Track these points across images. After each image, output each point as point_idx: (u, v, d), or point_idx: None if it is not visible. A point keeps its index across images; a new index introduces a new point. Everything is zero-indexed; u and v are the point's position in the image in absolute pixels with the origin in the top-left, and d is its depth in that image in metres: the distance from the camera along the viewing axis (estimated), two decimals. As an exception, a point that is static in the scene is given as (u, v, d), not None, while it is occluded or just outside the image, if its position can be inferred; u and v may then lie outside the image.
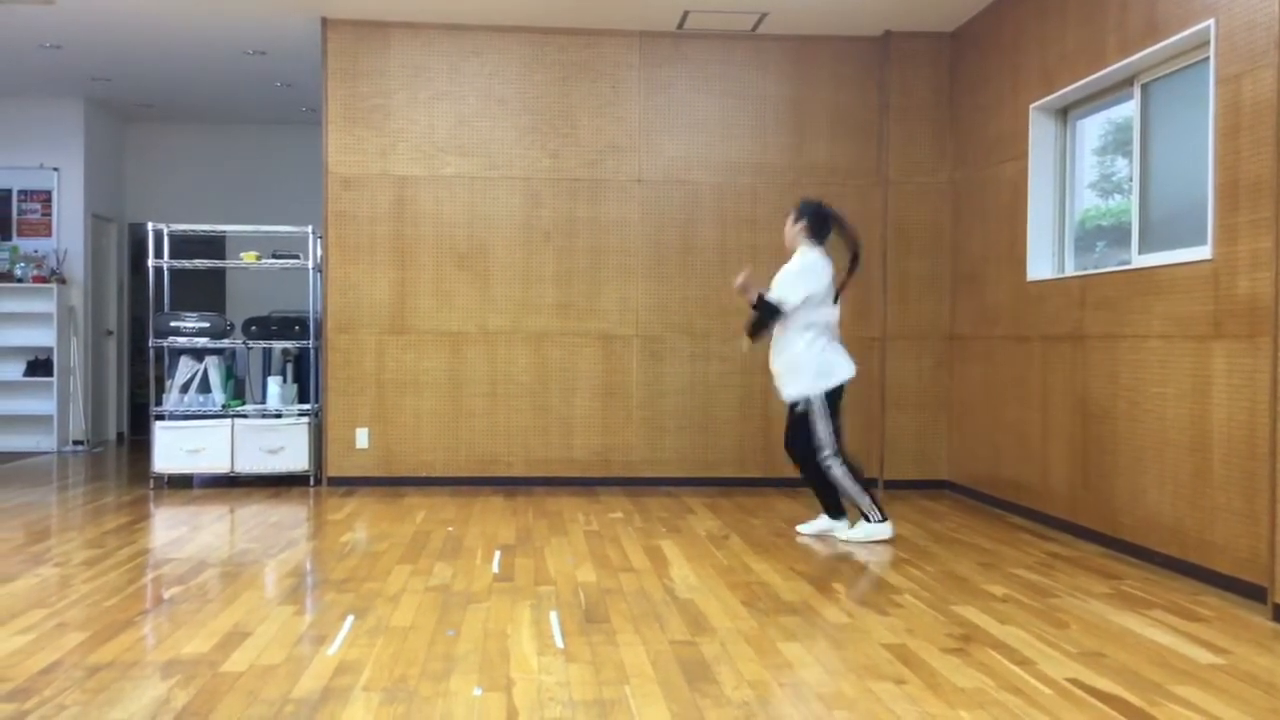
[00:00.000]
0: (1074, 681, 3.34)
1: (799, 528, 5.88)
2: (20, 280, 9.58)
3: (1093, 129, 6.22)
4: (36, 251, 9.75)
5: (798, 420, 5.71)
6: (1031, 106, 6.35)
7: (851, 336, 7.66)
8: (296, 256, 7.87)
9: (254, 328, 7.79)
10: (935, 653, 3.62)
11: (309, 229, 7.78)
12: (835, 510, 5.80)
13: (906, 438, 7.57)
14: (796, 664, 3.49)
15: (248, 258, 7.86)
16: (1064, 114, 6.33)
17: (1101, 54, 5.62)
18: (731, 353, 7.62)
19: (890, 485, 7.51)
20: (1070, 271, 6.26)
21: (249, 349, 7.97)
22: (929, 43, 7.55)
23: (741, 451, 7.64)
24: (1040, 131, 6.37)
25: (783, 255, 7.69)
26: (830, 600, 4.35)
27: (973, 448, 7.17)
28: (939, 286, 7.55)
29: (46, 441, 9.64)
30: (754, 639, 3.78)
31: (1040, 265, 6.37)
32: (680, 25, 7.40)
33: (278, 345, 7.86)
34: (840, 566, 5.03)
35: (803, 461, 5.73)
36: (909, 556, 5.26)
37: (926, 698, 3.18)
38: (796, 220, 5.83)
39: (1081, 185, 6.32)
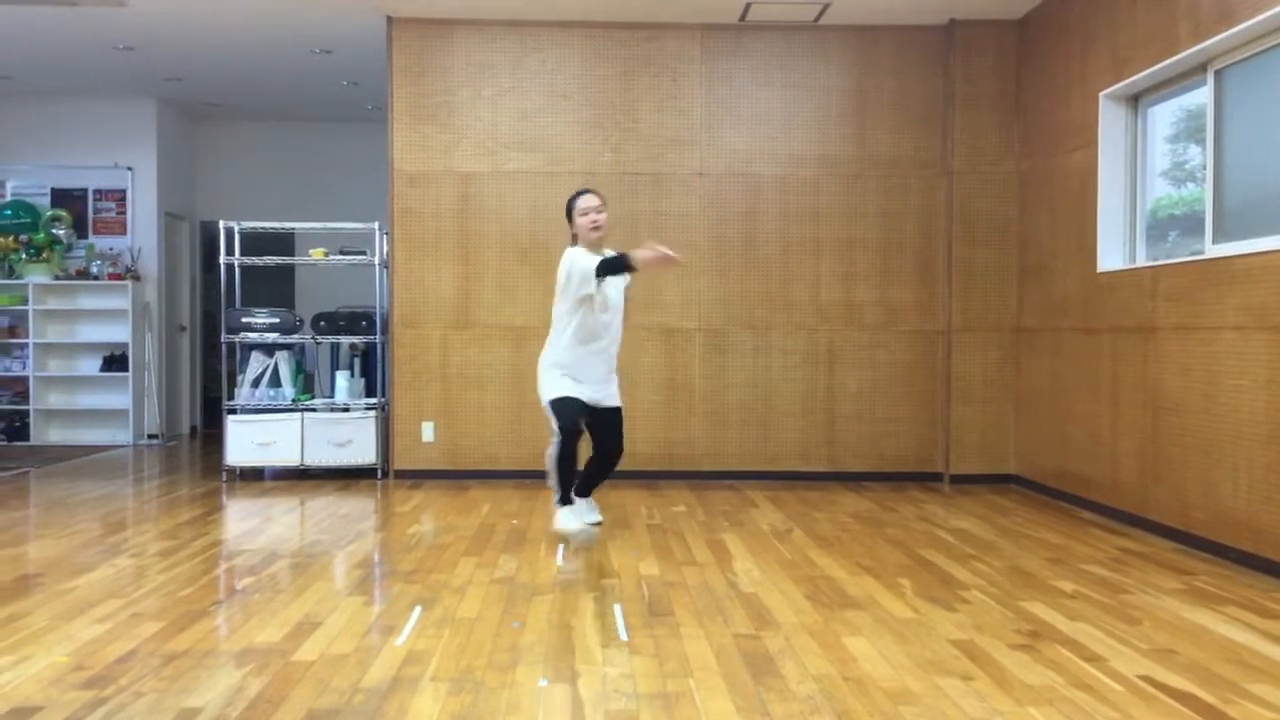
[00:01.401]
0: (1146, 679, 3.29)
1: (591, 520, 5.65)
2: (97, 278, 9.82)
3: (1164, 116, 6.09)
4: (112, 249, 9.99)
5: (619, 418, 5.59)
6: (1101, 94, 6.24)
7: (916, 329, 7.63)
8: (363, 253, 7.97)
9: (322, 323, 7.91)
10: (1003, 649, 3.59)
11: (375, 225, 7.88)
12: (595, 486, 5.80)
13: (972, 431, 7.48)
14: (861, 658, 3.48)
15: (316, 254, 7.98)
16: (1134, 101, 6.20)
17: (1174, 40, 5.51)
18: (795, 346, 7.59)
19: (955, 479, 7.44)
20: (1141, 262, 6.14)
21: (318, 344, 8.10)
22: (995, 30, 7.45)
23: (805, 445, 7.61)
24: (1110, 119, 6.25)
25: (844, 247, 7.67)
26: (896, 595, 4.32)
27: (1040, 441, 7.07)
28: (1005, 278, 7.45)
29: (123, 435, 9.88)
30: (818, 633, 3.77)
31: (1110, 256, 6.26)
32: (742, 17, 7.38)
33: (345, 340, 7.98)
34: (906, 562, 4.99)
35: (615, 453, 5.61)
36: (976, 552, 5.21)
37: (995, 694, 3.15)
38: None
39: (1153, 174, 6.19)
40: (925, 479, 7.56)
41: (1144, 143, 6.20)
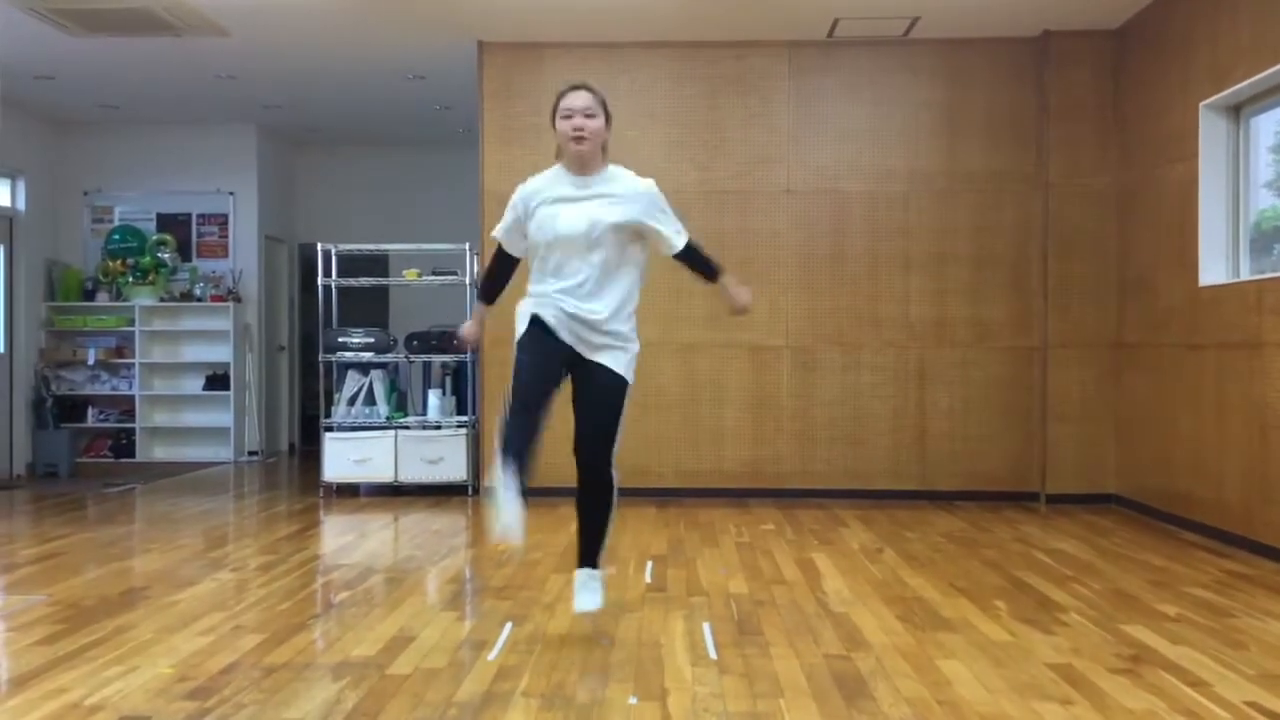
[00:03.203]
0: (1253, 705, 3.18)
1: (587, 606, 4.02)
2: (200, 299, 10.13)
3: (1268, 126, 5.91)
4: (214, 272, 10.30)
5: (614, 398, 3.95)
6: (1201, 105, 6.08)
7: (1010, 345, 7.49)
8: (454, 273, 8.10)
9: (415, 342, 8.05)
10: (1103, 673, 3.50)
11: (466, 246, 8.00)
12: (598, 551, 4.06)
13: (1070, 450, 7.32)
14: (956, 682, 3.42)
15: (409, 275, 8.14)
16: (1236, 111, 6.03)
17: (1277, 49, 5.34)
18: (885, 363, 7.51)
19: (1052, 499, 7.28)
20: (1246, 275, 5.96)
21: (411, 363, 8.24)
22: (1091, 41, 7.31)
23: (895, 463, 7.51)
24: (1211, 130, 6.09)
25: (935, 263, 7.56)
26: (991, 618, 4.24)
27: (1141, 460, 6.88)
28: (1103, 293, 7.29)
29: (224, 452, 10.15)
30: (911, 655, 3.72)
31: (1213, 269, 6.08)
32: (830, 33, 7.35)
33: (437, 359, 8.11)
34: (1002, 583, 4.90)
35: (600, 475, 4.01)
36: (1074, 573, 5.09)
37: (1094, 719, 3.07)
38: (608, 120, 3.93)
39: (1256, 185, 6.01)
40: (1020, 498, 7.41)
41: (1246, 153, 6.02)
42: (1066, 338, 7.32)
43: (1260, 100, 5.82)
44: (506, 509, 3.58)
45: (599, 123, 3.83)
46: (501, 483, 3.64)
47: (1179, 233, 6.35)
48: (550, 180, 3.92)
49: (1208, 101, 6.03)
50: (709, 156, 7.58)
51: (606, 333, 3.84)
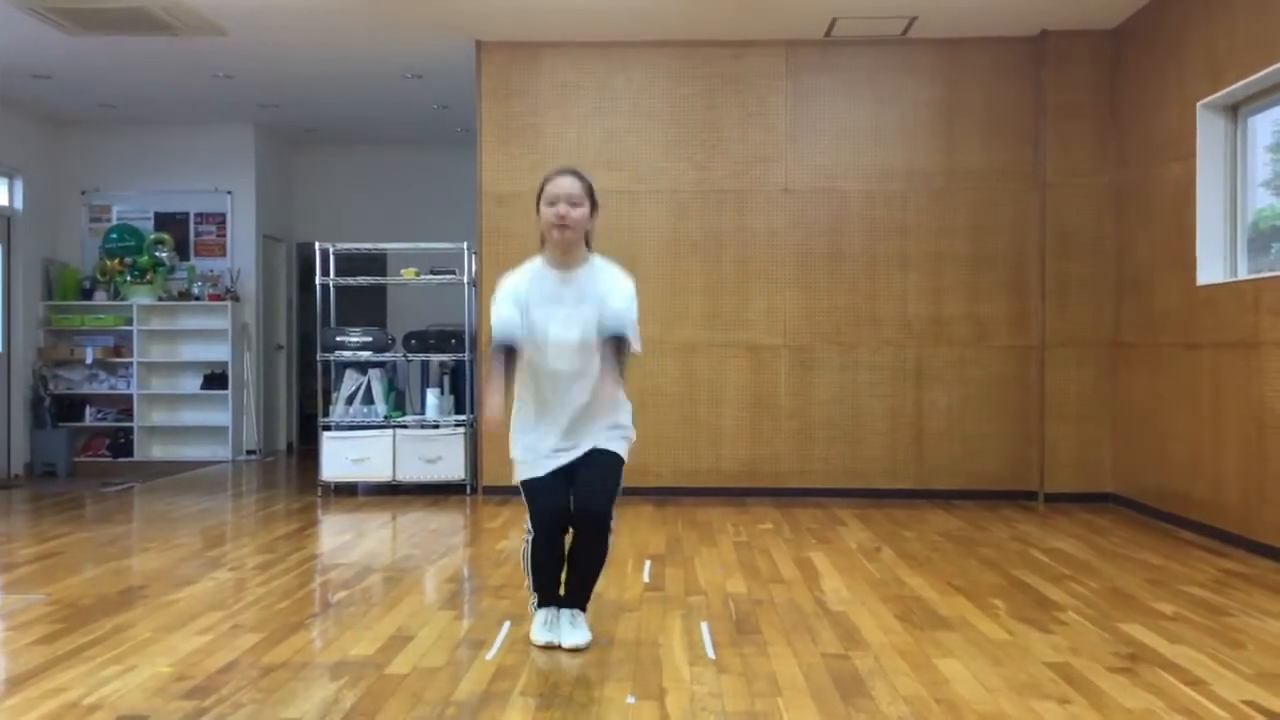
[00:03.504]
0: (1250, 704, 3.18)
1: (571, 641, 3.85)
2: (198, 298, 10.12)
3: (1265, 125, 5.92)
4: (212, 271, 10.29)
5: (612, 462, 3.88)
6: (1199, 104, 6.08)
7: (1008, 344, 7.50)
8: (453, 272, 8.10)
9: (413, 341, 8.05)
10: (1101, 672, 3.50)
11: (464, 245, 8.00)
12: (587, 594, 4.00)
13: (1067, 449, 7.32)
14: (954, 680, 3.42)
15: (407, 274, 8.14)
16: (1233, 111, 6.04)
17: (1273, 48, 5.35)
18: (883, 362, 7.51)
19: (1050, 498, 7.28)
20: (1243, 275, 5.96)
21: (409, 362, 8.24)
22: (1088, 41, 7.31)
23: (893, 462, 7.52)
24: (1208, 130, 6.09)
25: (933, 262, 7.57)
26: (989, 616, 4.24)
27: (1138, 459, 6.89)
28: (1100, 292, 7.29)
29: (222, 451, 10.15)
30: (909, 654, 3.72)
31: (1211, 269, 6.09)
32: (828, 33, 7.35)
33: (436, 358, 8.11)
34: (1000, 582, 4.90)
35: (598, 528, 3.82)
36: (1072, 572, 5.09)
37: (1092, 719, 3.08)
38: (594, 208, 3.87)
39: (1254, 184, 6.02)
40: (1018, 497, 7.42)
41: (1244, 153, 6.03)
42: (1064, 337, 7.33)
43: (1257, 99, 5.83)
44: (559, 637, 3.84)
45: (583, 211, 3.76)
46: (544, 627, 3.87)
47: (1176, 232, 6.36)
48: (532, 279, 3.81)
49: (1205, 101, 6.04)
50: (707, 156, 7.58)
51: (610, 425, 3.86)
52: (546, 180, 3.82)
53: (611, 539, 3.85)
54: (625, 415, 3.94)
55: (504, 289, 3.82)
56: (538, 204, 3.80)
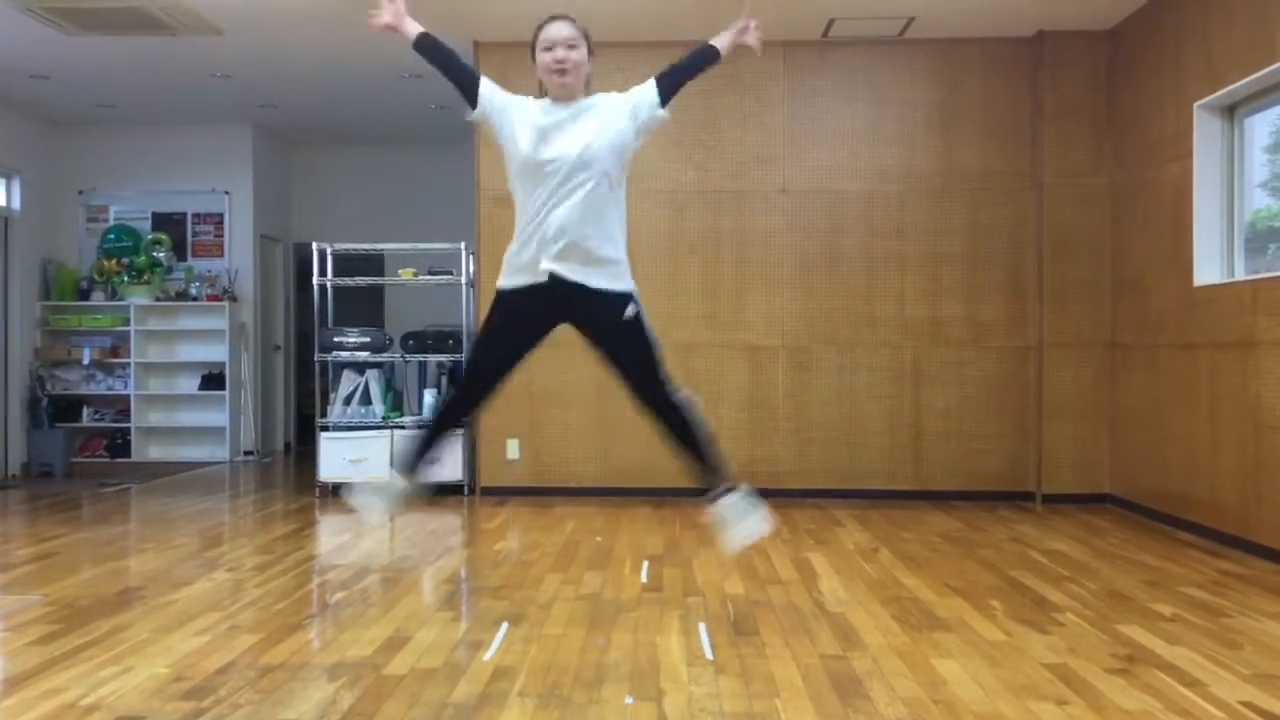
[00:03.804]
0: (1248, 705, 3.19)
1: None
2: (195, 299, 10.11)
3: (1263, 126, 5.92)
4: (210, 271, 10.28)
5: (636, 337, 3.68)
6: (1196, 105, 6.09)
7: (1005, 345, 7.50)
8: (450, 272, 8.10)
9: (411, 342, 8.05)
10: (1099, 673, 3.50)
11: (462, 245, 8.00)
12: (714, 473, 3.76)
13: (1065, 450, 7.33)
14: (952, 681, 3.43)
15: (405, 274, 8.14)
16: (1230, 111, 6.05)
17: (1271, 49, 5.36)
18: (880, 363, 7.52)
19: (1048, 499, 7.29)
20: (1240, 276, 5.97)
21: (406, 362, 8.24)
22: (1085, 42, 7.32)
23: (891, 463, 7.52)
24: (1205, 130, 6.10)
25: (930, 263, 7.57)
26: (986, 617, 4.25)
27: (1136, 460, 6.90)
28: (1098, 293, 7.30)
29: (219, 452, 10.14)
30: (907, 655, 3.72)
31: (1208, 269, 6.10)
32: (825, 33, 7.36)
33: (433, 359, 8.10)
34: (998, 583, 4.90)
35: (667, 409, 3.69)
36: (1070, 573, 5.10)
37: (1089, 719, 3.08)
38: (590, 51, 3.84)
39: (1251, 185, 6.03)
40: (1016, 498, 7.42)
41: (1241, 154, 6.04)
42: (1061, 337, 7.33)
43: (1254, 100, 5.83)
44: (388, 505, 3.79)
45: (581, 53, 3.69)
46: (396, 490, 3.79)
47: (1173, 233, 6.36)
48: (539, 107, 3.75)
49: (1202, 102, 6.05)
50: (705, 156, 7.58)
51: (600, 259, 3.61)
52: (540, 27, 3.74)
53: (685, 394, 3.67)
54: (623, 254, 3.71)
55: (509, 94, 3.83)
56: (533, 52, 3.73)
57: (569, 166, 3.61)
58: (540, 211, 3.64)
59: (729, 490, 3.72)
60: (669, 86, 3.79)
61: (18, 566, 5.35)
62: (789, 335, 7.56)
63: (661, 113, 3.78)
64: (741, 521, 3.70)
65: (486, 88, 3.85)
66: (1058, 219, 7.34)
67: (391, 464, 3.70)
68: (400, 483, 3.83)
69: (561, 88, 3.69)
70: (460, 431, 3.57)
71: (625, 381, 3.71)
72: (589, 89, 3.80)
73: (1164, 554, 5.56)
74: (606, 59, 7.56)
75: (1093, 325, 7.31)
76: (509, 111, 3.79)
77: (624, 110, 3.74)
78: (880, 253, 7.53)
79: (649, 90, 3.79)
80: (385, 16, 3.77)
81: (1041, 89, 7.38)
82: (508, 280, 3.73)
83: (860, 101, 7.57)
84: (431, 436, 3.86)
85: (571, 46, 3.67)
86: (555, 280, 3.61)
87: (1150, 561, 5.37)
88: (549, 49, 3.68)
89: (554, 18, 3.76)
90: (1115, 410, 7.21)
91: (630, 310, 3.65)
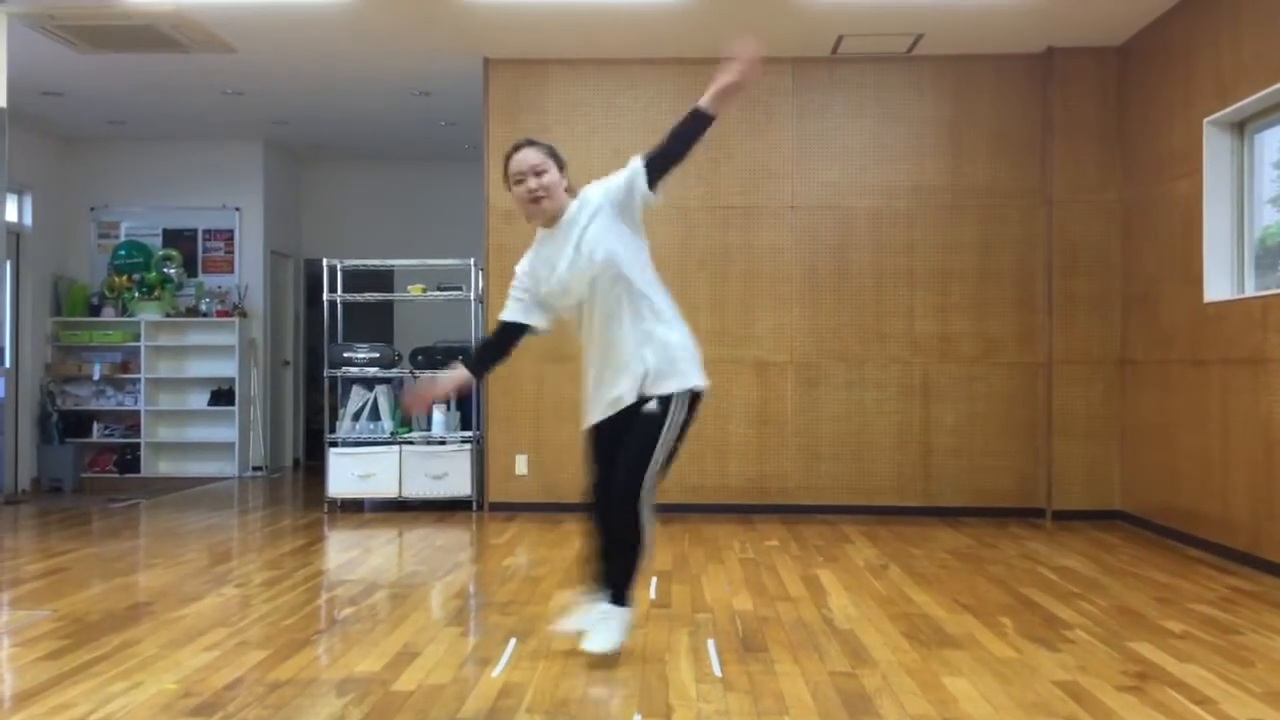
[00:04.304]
0: (1261, 725, 3.17)
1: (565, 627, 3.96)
2: (205, 314, 10.15)
3: (1273, 142, 5.92)
4: (220, 287, 10.32)
5: (647, 425, 3.73)
6: (1205, 121, 6.09)
7: (1015, 361, 7.49)
8: (459, 288, 8.12)
9: (420, 357, 8.06)
10: (1109, 691, 3.48)
11: (471, 261, 8.02)
12: (621, 585, 3.79)
13: (1076, 466, 7.30)
14: (962, 699, 3.41)
15: (414, 290, 8.16)
16: (1240, 128, 6.04)
17: (1281, 63, 5.36)
18: (889, 379, 7.50)
19: (1058, 516, 7.26)
20: (1251, 292, 5.96)
21: (415, 378, 8.25)
22: (1094, 58, 7.33)
23: (900, 479, 7.50)
24: (1215, 146, 6.09)
25: (940, 279, 7.56)
26: (997, 634, 4.23)
27: (1147, 477, 6.87)
28: (1108, 309, 7.29)
29: (229, 467, 10.16)
30: (916, 672, 3.71)
31: (1218, 285, 6.08)
32: (834, 50, 7.38)
33: (442, 374, 8.10)
34: (1008, 600, 4.88)
35: (622, 508, 3.67)
36: (1080, 590, 5.07)
37: (1100, 737, 3.06)
38: (561, 166, 3.83)
39: (1261, 201, 6.02)
40: (1026, 515, 7.40)
41: (1251, 169, 6.03)
42: (1071, 353, 7.32)
43: (1264, 116, 5.83)
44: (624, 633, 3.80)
45: (552, 174, 3.73)
46: (628, 621, 3.81)
47: (1183, 249, 6.35)
48: (535, 250, 3.87)
49: (1212, 118, 6.04)
50: (713, 172, 7.60)
51: (648, 371, 3.73)
52: (507, 160, 3.78)
53: (644, 526, 3.64)
54: (667, 351, 3.78)
55: (515, 279, 3.91)
56: (508, 185, 3.79)
57: (586, 293, 3.74)
58: (589, 346, 3.81)
59: (618, 603, 3.78)
60: (658, 171, 3.73)
61: (27, 582, 5.36)
62: (798, 351, 7.56)
63: (654, 199, 3.75)
64: (605, 631, 3.75)
65: (520, 289, 3.93)
66: (1067, 235, 7.33)
67: (608, 599, 3.79)
68: (628, 614, 3.80)
69: (541, 214, 3.78)
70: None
71: (618, 461, 3.71)
72: (572, 191, 3.82)
73: (1175, 571, 5.54)
74: (617, 76, 7.63)
75: (1103, 341, 7.29)
76: (535, 273, 3.86)
77: (614, 210, 3.74)
78: (889, 268, 7.53)
79: (637, 178, 3.72)
80: (421, 407, 3.89)
81: (1051, 105, 7.38)
82: (589, 415, 3.88)
83: (869, 118, 7.58)
84: (609, 553, 3.81)
85: (540, 173, 3.72)
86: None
87: (1161, 578, 5.35)
88: (519, 181, 3.74)
89: (516, 147, 3.80)
90: (1125, 426, 7.18)
91: (652, 406, 3.72)
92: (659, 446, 3.69)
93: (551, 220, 3.79)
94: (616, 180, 3.76)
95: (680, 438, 3.76)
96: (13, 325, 9.40)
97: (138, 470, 9.97)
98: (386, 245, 10.18)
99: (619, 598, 3.77)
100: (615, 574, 3.76)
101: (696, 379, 3.84)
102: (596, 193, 3.78)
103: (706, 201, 7.59)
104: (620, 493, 3.66)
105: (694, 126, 3.72)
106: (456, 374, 3.89)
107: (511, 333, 3.91)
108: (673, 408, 3.74)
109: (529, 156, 3.73)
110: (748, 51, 3.73)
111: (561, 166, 3.79)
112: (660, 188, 3.75)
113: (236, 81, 8.24)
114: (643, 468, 3.67)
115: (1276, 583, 5.22)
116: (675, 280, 7.59)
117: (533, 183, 3.71)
